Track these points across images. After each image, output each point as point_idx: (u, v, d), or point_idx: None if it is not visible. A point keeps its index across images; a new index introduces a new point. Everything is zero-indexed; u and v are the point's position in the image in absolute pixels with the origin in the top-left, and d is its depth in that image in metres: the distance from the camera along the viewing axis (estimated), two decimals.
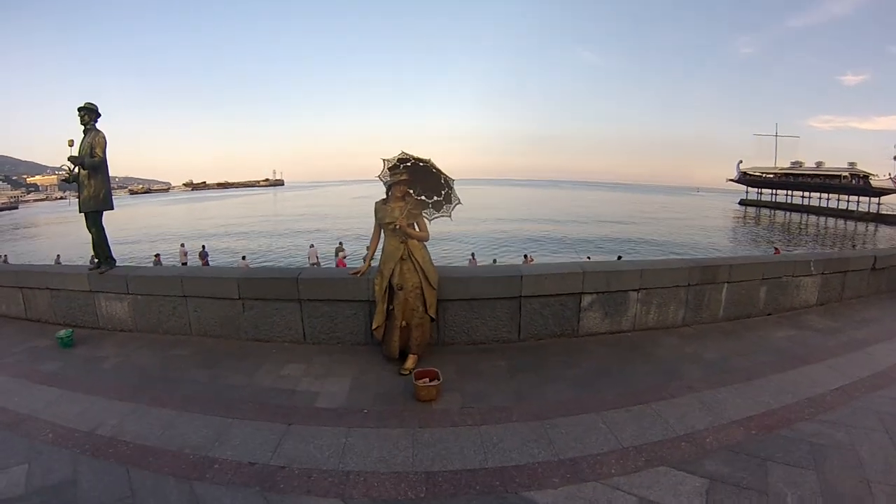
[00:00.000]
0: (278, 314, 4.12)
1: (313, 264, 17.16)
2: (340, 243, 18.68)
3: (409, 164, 3.55)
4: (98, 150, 4.16)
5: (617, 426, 2.72)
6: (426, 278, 3.58)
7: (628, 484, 2.22)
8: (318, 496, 2.13)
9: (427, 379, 3.05)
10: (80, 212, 4.36)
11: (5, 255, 17.40)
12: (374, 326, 3.69)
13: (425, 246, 3.72)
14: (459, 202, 3.85)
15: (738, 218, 51.72)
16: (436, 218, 3.95)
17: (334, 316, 4.05)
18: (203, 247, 18.83)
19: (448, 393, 3.12)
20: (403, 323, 3.53)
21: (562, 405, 2.99)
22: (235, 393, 3.21)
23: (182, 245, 18.58)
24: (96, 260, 4.62)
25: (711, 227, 40.36)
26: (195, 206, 74.63)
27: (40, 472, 2.34)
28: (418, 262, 3.56)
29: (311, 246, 18.29)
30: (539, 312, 4.12)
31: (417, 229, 3.61)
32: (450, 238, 24.10)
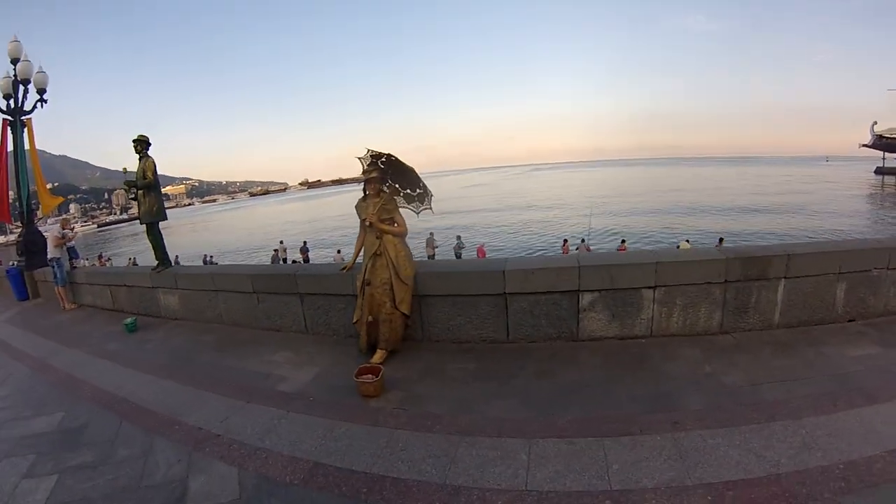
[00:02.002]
0: (285, 307, 5.05)
1: None
2: (431, 234, 19.92)
3: (383, 160, 4.12)
4: (149, 174, 5.67)
5: (541, 461, 2.52)
6: (396, 273, 4.05)
7: None
8: (226, 463, 2.78)
9: (371, 375, 3.49)
10: (141, 223, 5.92)
11: (134, 258, 22.63)
12: (353, 320, 4.32)
13: (403, 241, 4.19)
14: (432, 194, 4.31)
15: (873, 190, 46.77)
16: (423, 210, 4.42)
17: (329, 309, 4.79)
18: (304, 242, 21.98)
19: (394, 391, 3.46)
20: (370, 318, 4.07)
21: (499, 422, 2.94)
22: (226, 373, 4.17)
23: (281, 242, 21.90)
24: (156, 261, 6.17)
25: (837, 203, 35.34)
26: (310, 203, 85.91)
27: (69, 418, 3.54)
28: (391, 258, 4.05)
29: None
30: (529, 312, 4.14)
31: (396, 225, 4.12)
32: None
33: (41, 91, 8.43)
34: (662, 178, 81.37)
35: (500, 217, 37.11)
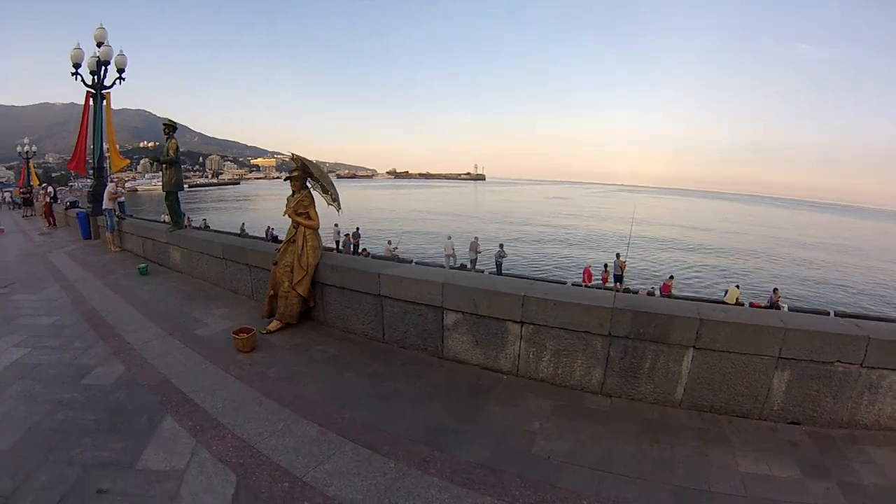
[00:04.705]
0: (240, 274, 6.75)
1: (448, 256, 20.26)
2: (476, 238, 21.28)
3: (306, 163, 5.54)
4: (171, 152, 7.72)
5: (285, 432, 3.17)
6: (298, 259, 5.42)
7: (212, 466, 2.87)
8: (123, 364, 4.38)
9: (244, 334, 4.69)
10: (163, 191, 8.04)
11: (204, 220, 26.39)
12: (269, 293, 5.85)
13: (315, 232, 5.51)
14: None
15: None
16: (339, 210, 5.70)
17: (267, 280, 6.36)
18: (357, 228, 24.25)
19: (262, 352, 4.65)
20: (271, 292, 5.56)
21: (298, 397, 3.73)
22: (178, 315, 5.93)
23: (336, 225, 24.35)
24: (168, 221, 8.29)
25: None
26: (395, 192, 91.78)
27: (61, 320, 5.57)
28: (299, 245, 5.43)
29: (449, 238, 21.44)
30: (400, 318, 4.75)
31: (309, 219, 5.45)
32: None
33: (120, 70, 11.22)
34: (761, 217, 79.11)
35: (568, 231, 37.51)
